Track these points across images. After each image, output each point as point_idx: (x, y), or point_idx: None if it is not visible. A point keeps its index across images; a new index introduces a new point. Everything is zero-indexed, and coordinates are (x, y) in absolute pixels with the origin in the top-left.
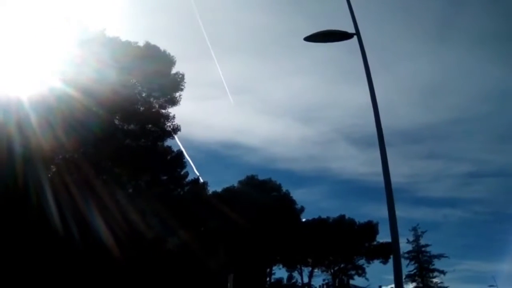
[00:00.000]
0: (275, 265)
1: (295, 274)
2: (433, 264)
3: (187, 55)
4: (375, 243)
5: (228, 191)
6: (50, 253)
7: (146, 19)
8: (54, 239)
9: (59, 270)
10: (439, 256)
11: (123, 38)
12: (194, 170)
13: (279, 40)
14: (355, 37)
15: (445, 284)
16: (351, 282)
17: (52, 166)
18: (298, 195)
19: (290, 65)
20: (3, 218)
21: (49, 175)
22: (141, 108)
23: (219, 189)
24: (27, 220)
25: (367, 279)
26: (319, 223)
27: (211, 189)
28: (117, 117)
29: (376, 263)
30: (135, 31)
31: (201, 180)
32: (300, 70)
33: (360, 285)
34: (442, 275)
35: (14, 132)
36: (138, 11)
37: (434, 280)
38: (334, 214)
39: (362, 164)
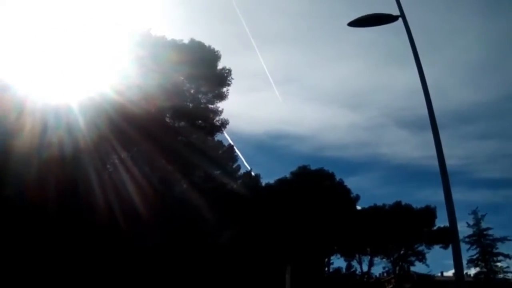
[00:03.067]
0: (333, 255)
1: (354, 263)
2: (497, 248)
3: (229, 49)
4: (434, 228)
5: (281, 182)
6: (110, 252)
7: (185, 16)
8: (111, 238)
9: (113, 268)
10: (503, 239)
11: (168, 37)
12: (244, 163)
13: (320, 26)
14: (399, 19)
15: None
16: (412, 268)
17: (108, 167)
18: (351, 183)
19: (334, 51)
20: (59, 225)
21: (105, 175)
22: (190, 105)
23: (271, 181)
24: (83, 224)
25: (427, 265)
26: (375, 211)
27: (263, 181)
28: (167, 115)
29: (437, 248)
30: (177, 29)
31: (253, 173)
32: (344, 55)
33: (422, 271)
34: (507, 259)
35: (64, 136)
36: (176, 9)
37: (499, 264)
38: (389, 201)
39: (415, 148)
